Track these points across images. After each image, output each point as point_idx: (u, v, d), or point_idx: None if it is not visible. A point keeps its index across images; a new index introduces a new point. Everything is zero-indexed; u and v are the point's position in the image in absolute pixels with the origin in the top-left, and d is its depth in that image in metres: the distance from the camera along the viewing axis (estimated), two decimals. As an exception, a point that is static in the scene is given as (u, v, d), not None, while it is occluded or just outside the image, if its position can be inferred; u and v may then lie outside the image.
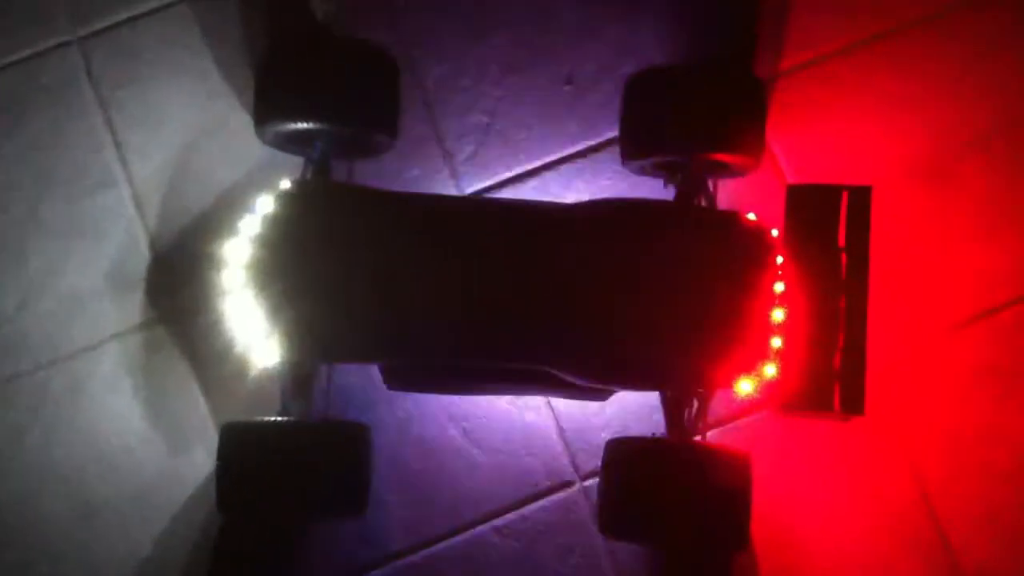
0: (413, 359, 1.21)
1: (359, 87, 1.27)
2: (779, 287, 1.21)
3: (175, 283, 1.38)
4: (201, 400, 1.36)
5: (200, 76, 1.41)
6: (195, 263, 1.35)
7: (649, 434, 1.25)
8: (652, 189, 1.34)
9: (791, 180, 1.39)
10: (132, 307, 1.37)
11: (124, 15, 1.42)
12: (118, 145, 1.40)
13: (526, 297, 1.19)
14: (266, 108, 1.26)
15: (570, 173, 1.41)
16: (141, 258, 1.38)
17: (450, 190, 1.41)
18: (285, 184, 1.22)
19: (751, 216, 1.23)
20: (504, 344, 1.19)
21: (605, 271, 1.20)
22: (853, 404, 1.26)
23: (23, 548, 1.34)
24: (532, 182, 1.41)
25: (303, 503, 1.21)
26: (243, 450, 1.20)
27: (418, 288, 1.19)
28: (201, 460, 1.35)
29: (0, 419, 1.36)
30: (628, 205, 1.25)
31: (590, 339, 1.18)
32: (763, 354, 1.19)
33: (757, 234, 1.22)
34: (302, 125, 1.24)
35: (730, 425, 1.36)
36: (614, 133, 1.39)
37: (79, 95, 1.41)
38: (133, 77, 1.41)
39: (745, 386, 1.19)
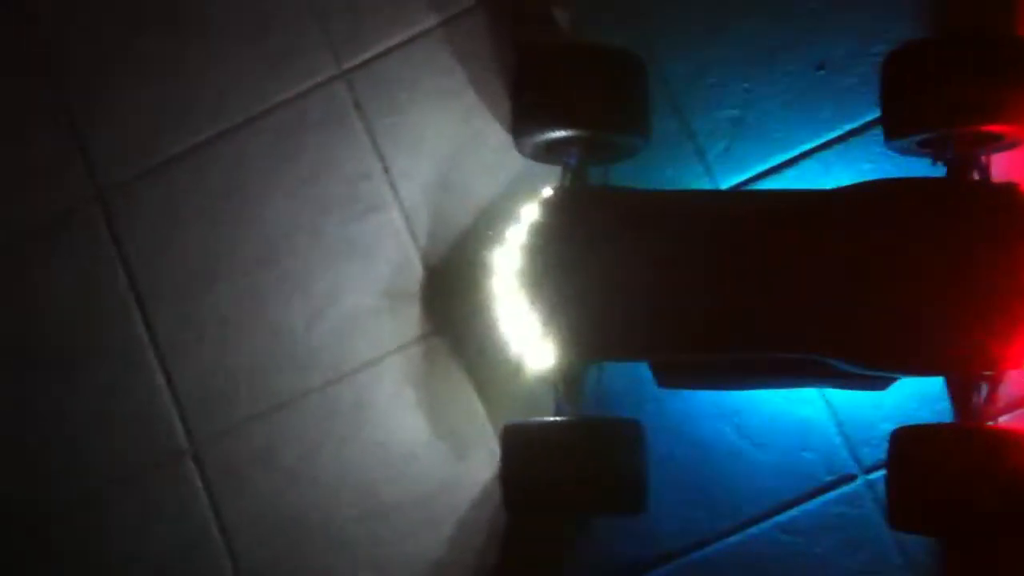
0: (688, 355, 1.21)
1: (611, 91, 1.30)
2: (1070, 259, 1.13)
3: (447, 295, 1.44)
4: (479, 406, 1.41)
5: (456, 96, 1.47)
6: (464, 274, 1.41)
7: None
8: (920, 169, 1.28)
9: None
10: (409, 321, 1.44)
11: (383, 46, 1.50)
12: (386, 170, 1.48)
13: (802, 285, 1.17)
14: (524, 121, 1.31)
15: (829, 160, 1.37)
16: (414, 274, 1.45)
17: (705, 187, 1.40)
18: (547, 192, 1.25)
19: (1032, 187, 1.16)
20: (780, 334, 1.17)
21: (881, 253, 1.16)
22: None
23: (322, 548, 1.43)
24: (789, 172, 1.38)
25: (586, 499, 1.24)
26: (525, 450, 1.24)
27: (689, 283, 1.19)
28: (481, 464, 1.40)
29: (296, 432, 1.46)
30: (899, 183, 1.21)
31: (872, 325, 1.15)
32: (1057, 330, 1.12)
33: (1040, 206, 1.15)
34: (560, 134, 1.28)
35: (1021, 410, 1.28)
36: (873, 115, 1.35)
37: (348, 126, 1.50)
38: (395, 104, 1.49)
39: (1039, 366, 1.12)
